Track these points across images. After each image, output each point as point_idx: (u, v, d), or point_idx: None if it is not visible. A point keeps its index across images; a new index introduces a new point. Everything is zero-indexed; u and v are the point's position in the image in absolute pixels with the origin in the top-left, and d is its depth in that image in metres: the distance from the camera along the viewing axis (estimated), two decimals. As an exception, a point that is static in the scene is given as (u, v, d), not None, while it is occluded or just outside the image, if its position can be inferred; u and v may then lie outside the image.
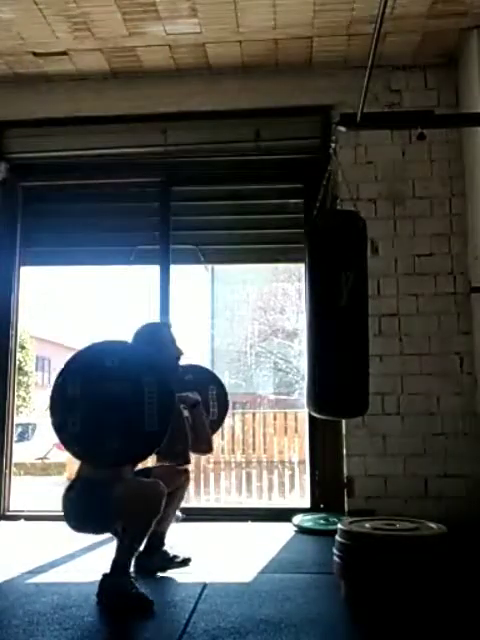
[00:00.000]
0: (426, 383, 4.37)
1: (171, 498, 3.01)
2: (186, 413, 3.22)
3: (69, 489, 2.82)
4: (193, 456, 3.49)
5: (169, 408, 2.68)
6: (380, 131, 4.38)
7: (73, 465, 9.70)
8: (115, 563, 2.71)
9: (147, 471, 3.17)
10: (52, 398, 2.71)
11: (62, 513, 2.79)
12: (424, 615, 2.47)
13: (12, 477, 4.76)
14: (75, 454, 2.74)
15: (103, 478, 2.72)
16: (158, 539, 3.17)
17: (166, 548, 3.23)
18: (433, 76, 4.65)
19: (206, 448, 3.44)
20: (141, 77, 4.77)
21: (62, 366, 2.74)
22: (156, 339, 3.12)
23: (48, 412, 2.74)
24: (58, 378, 2.72)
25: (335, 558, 2.72)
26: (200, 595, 2.79)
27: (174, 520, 4.26)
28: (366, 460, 4.35)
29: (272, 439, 8.02)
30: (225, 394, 3.65)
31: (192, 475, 7.39)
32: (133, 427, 2.61)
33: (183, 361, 3.32)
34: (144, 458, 2.83)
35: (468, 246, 4.45)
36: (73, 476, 2.91)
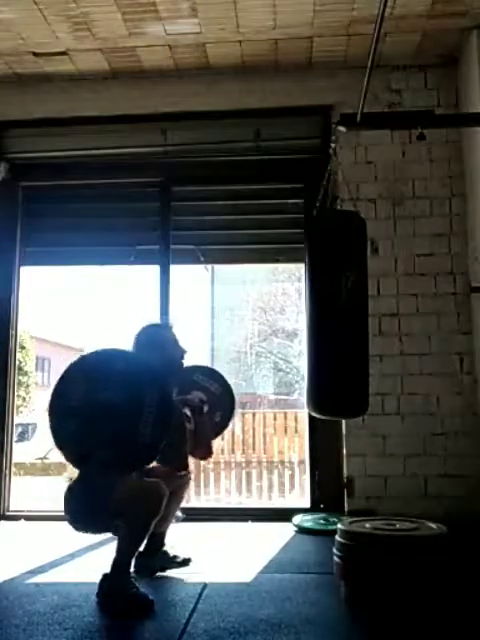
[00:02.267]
0: (426, 383, 4.37)
1: (171, 498, 3.01)
2: (188, 413, 3.22)
3: (70, 489, 2.82)
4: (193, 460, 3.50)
5: (166, 423, 2.66)
6: (380, 131, 4.38)
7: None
8: (115, 563, 2.71)
9: (148, 470, 3.17)
10: (51, 401, 2.72)
11: (63, 512, 2.79)
12: (424, 615, 2.47)
13: (12, 477, 4.76)
14: (67, 459, 2.77)
15: (104, 479, 2.72)
16: (158, 539, 3.17)
17: (166, 548, 3.23)
18: (433, 76, 4.65)
19: (205, 454, 3.44)
20: (141, 77, 4.77)
21: (64, 370, 2.75)
22: (157, 342, 3.10)
23: (47, 414, 2.74)
24: (59, 382, 2.72)
25: (335, 558, 2.72)
26: (200, 595, 2.79)
27: (174, 520, 4.27)
28: (366, 460, 4.35)
29: (272, 439, 8.02)
30: (231, 396, 3.64)
31: (192, 475, 7.44)
32: (127, 439, 2.61)
33: (188, 361, 3.31)
34: (136, 469, 2.81)
35: (468, 246, 4.45)
36: (74, 476, 2.91)
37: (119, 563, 2.70)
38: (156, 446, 2.64)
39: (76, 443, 2.67)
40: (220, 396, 3.58)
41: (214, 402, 3.51)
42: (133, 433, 2.59)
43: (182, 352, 3.21)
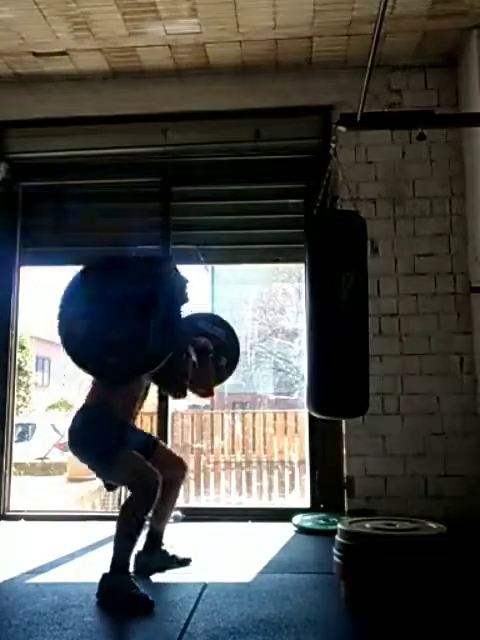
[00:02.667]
0: (426, 383, 4.37)
1: (167, 493, 3.03)
2: (194, 357, 3.25)
3: (76, 418, 2.94)
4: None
5: (173, 333, 2.75)
6: (380, 131, 4.38)
7: (73, 465, 9.71)
8: (113, 562, 2.72)
9: (150, 441, 3.17)
10: (61, 308, 2.82)
11: (68, 441, 2.93)
12: (424, 615, 2.47)
13: (12, 477, 4.76)
14: (78, 364, 2.81)
15: (108, 407, 2.86)
16: (156, 538, 3.18)
17: (166, 548, 3.23)
18: (433, 76, 4.65)
19: (206, 392, 3.48)
20: (141, 77, 4.76)
21: (73, 276, 2.85)
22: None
23: (60, 302, 2.83)
24: (67, 289, 2.83)
25: (335, 558, 2.72)
26: (200, 595, 2.79)
27: (174, 520, 4.28)
28: (366, 460, 4.35)
29: (272, 439, 8.03)
30: (236, 342, 3.66)
31: (192, 475, 7.45)
32: (135, 344, 2.68)
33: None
34: (141, 374, 2.88)
35: (468, 246, 4.45)
36: (87, 402, 3.00)
37: (116, 562, 2.71)
38: (162, 355, 2.71)
39: (86, 346, 2.72)
40: (225, 342, 3.58)
41: (219, 348, 3.53)
42: (141, 338, 2.65)
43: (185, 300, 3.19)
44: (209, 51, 4.49)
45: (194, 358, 3.26)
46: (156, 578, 3.04)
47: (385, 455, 4.34)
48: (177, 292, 2.94)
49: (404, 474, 4.30)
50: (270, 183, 4.84)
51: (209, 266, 13.69)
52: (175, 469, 3.18)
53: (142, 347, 2.68)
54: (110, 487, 3.13)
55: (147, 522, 2.97)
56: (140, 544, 3.16)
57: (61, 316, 2.83)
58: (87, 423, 2.92)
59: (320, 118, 4.71)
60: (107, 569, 2.72)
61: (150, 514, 2.92)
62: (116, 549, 2.74)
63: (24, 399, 14.58)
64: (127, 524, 2.78)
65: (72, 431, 2.95)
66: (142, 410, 3.22)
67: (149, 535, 3.17)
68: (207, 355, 3.34)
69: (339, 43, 4.40)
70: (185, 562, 3.23)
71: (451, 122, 4.20)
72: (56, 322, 2.84)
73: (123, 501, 2.96)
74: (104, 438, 2.84)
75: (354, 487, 4.34)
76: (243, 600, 2.73)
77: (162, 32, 4.25)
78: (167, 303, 2.77)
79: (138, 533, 2.80)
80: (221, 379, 3.61)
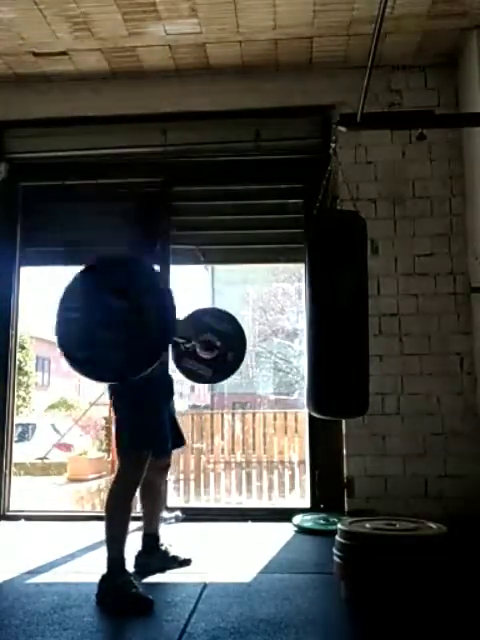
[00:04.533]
0: (426, 383, 4.37)
1: (149, 492, 3.08)
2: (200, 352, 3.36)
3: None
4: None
5: (171, 325, 2.73)
6: (380, 131, 4.38)
7: (73, 465, 9.70)
8: (109, 560, 2.72)
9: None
10: (58, 313, 2.72)
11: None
12: (424, 615, 2.47)
13: (12, 477, 4.76)
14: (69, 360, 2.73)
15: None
16: (152, 538, 3.18)
17: (166, 548, 3.23)
18: (433, 76, 4.65)
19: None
20: (141, 77, 4.76)
21: (69, 281, 2.77)
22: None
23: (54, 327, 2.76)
24: (63, 295, 2.74)
25: (335, 558, 2.72)
26: (200, 595, 2.79)
27: (174, 520, 4.28)
28: (366, 460, 4.35)
29: (272, 439, 8.03)
30: (243, 336, 3.64)
31: (192, 475, 7.45)
32: (134, 343, 2.63)
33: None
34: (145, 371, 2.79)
35: (468, 246, 4.45)
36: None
37: (110, 559, 2.71)
38: (160, 350, 2.70)
39: (84, 348, 2.66)
40: (232, 336, 3.58)
41: (226, 342, 3.54)
42: (139, 336, 2.62)
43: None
44: (209, 51, 4.49)
45: (200, 353, 3.32)
46: (156, 578, 3.04)
47: (385, 455, 4.33)
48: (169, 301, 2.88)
49: (404, 474, 4.30)
50: (270, 183, 4.85)
51: (209, 266, 13.71)
52: (159, 470, 3.19)
53: (138, 347, 2.66)
54: None
55: (140, 524, 2.98)
56: (140, 545, 3.17)
57: (58, 316, 2.81)
58: None
59: (320, 118, 4.71)
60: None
61: (137, 511, 2.95)
62: (108, 548, 2.75)
63: (24, 399, 14.59)
64: (111, 518, 2.81)
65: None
66: None
67: (145, 537, 3.17)
68: (212, 350, 3.39)
69: (339, 43, 4.40)
70: (185, 562, 3.24)
71: (451, 122, 4.20)
72: (53, 322, 2.82)
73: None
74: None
75: (354, 487, 4.34)
76: (243, 600, 2.73)
77: (162, 32, 4.25)
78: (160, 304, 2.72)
79: (124, 526, 2.78)
80: (228, 374, 3.64)
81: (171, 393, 3.22)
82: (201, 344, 3.44)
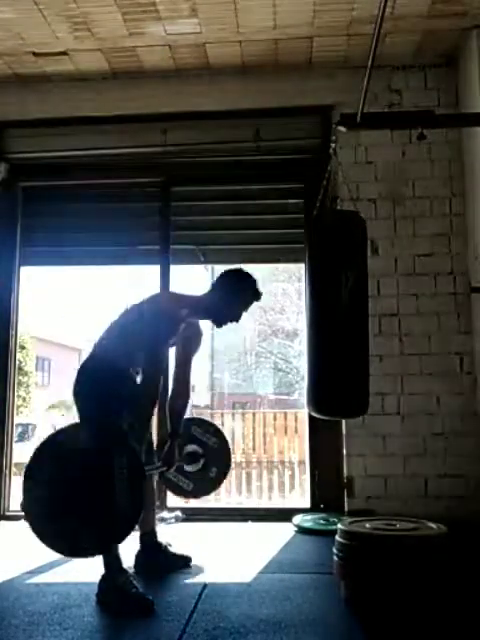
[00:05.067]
0: (426, 383, 4.37)
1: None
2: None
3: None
4: None
5: (141, 484, 2.53)
6: (380, 131, 4.38)
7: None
8: (105, 561, 2.71)
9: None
10: (24, 484, 2.57)
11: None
12: (424, 615, 2.47)
13: (12, 477, 4.76)
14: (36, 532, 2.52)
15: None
16: (150, 538, 3.18)
17: (166, 548, 3.23)
18: (433, 76, 4.65)
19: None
20: (141, 77, 4.76)
21: (34, 451, 2.59)
22: (233, 287, 3.13)
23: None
24: (28, 466, 2.59)
25: (335, 558, 2.72)
26: (200, 595, 2.79)
27: (174, 520, 4.28)
28: (366, 460, 4.35)
29: (272, 439, 8.03)
30: (228, 451, 3.61)
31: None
32: (104, 512, 2.44)
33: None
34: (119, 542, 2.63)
35: (468, 246, 4.45)
36: None
37: (105, 560, 2.70)
38: (136, 515, 2.51)
39: (53, 522, 2.48)
40: (216, 450, 3.56)
41: (210, 456, 3.53)
42: (109, 504, 2.42)
43: (243, 308, 3.18)
44: (209, 51, 4.49)
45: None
46: (156, 578, 3.04)
47: (385, 455, 4.34)
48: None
49: (404, 474, 4.31)
50: (270, 183, 4.85)
51: (209, 266, 13.70)
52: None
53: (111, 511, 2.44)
54: None
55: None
56: (139, 544, 3.17)
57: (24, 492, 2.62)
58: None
59: (320, 118, 4.71)
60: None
61: None
62: None
63: (24, 399, 14.58)
64: None
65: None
66: None
67: (142, 536, 3.17)
68: (195, 463, 3.45)
69: (339, 43, 4.40)
70: (186, 562, 3.23)
71: (451, 122, 4.20)
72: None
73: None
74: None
75: (354, 487, 4.34)
76: (243, 600, 2.73)
77: (162, 32, 4.25)
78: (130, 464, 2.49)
79: None
80: (210, 490, 3.58)
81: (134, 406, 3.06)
82: (184, 456, 3.43)
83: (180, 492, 3.56)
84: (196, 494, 3.60)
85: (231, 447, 3.66)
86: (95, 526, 2.42)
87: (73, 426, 2.78)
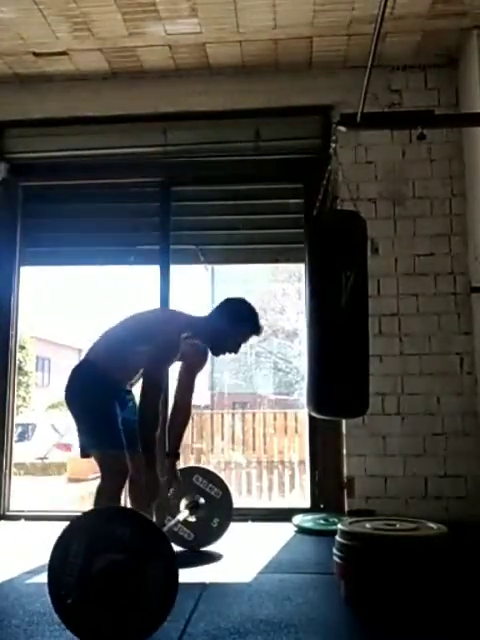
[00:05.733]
0: (426, 383, 4.37)
1: (133, 487, 3.07)
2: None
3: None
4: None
5: (175, 590, 2.24)
6: (380, 131, 4.38)
7: (73, 465, 9.69)
8: None
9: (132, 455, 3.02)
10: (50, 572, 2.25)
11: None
12: (424, 615, 2.47)
13: (12, 477, 4.76)
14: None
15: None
16: None
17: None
18: (433, 76, 4.65)
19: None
20: (141, 77, 4.76)
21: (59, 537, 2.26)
22: (233, 315, 3.14)
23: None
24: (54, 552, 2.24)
25: (335, 558, 2.72)
26: (200, 595, 2.79)
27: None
28: (366, 460, 4.35)
29: (272, 439, 8.03)
30: (230, 501, 3.60)
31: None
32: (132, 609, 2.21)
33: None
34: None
35: (468, 246, 4.45)
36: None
37: None
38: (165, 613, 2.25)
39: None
40: (219, 501, 3.56)
41: (212, 507, 3.53)
42: (137, 601, 2.21)
43: (241, 340, 3.18)
44: (209, 51, 4.49)
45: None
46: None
47: (385, 455, 4.34)
48: None
49: (404, 474, 4.31)
50: (270, 183, 4.85)
51: (209, 266, 13.70)
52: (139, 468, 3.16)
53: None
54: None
55: None
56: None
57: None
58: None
59: (320, 118, 4.71)
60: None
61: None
62: None
63: (24, 399, 14.59)
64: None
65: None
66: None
67: None
68: (196, 511, 3.49)
69: (339, 43, 4.39)
70: (186, 562, 3.23)
71: (451, 122, 4.20)
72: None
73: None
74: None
75: (354, 487, 4.34)
76: (243, 600, 2.73)
77: (162, 32, 4.25)
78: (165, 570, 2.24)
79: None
80: (210, 541, 3.55)
81: (124, 403, 3.09)
82: (186, 506, 3.43)
83: (181, 542, 3.49)
84: (197, 544, 3.54)
85: (232, 498, 3.64)
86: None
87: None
